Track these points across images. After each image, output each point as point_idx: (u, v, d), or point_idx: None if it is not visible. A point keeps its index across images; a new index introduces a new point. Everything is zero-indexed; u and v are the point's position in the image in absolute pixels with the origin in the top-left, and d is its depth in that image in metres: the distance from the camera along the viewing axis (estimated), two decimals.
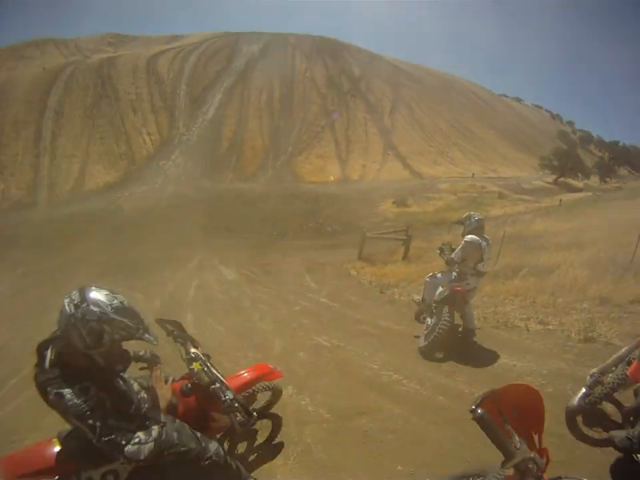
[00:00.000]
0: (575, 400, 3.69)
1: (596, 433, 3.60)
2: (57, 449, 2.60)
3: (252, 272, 12.77)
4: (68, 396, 2.13)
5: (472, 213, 6.63)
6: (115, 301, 2.23)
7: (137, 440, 2.24)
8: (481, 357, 5.71)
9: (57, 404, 2.16)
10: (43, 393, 2.23)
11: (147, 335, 2.29)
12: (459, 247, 6.15)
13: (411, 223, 20.19)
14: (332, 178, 36.46)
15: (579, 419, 3.71)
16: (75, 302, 2.17)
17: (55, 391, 2.15)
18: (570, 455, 3.52)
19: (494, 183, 41.44)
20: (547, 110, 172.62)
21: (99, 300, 2.19)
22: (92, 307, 2.16)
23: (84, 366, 2.25)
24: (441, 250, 6.65)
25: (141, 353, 2.98)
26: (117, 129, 41.66)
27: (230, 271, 13.08)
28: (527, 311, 7.74)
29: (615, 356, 3.73)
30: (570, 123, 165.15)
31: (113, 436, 2.17)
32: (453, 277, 6.16)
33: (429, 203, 28.23)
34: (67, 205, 30.00)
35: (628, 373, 3.38)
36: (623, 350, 3.72)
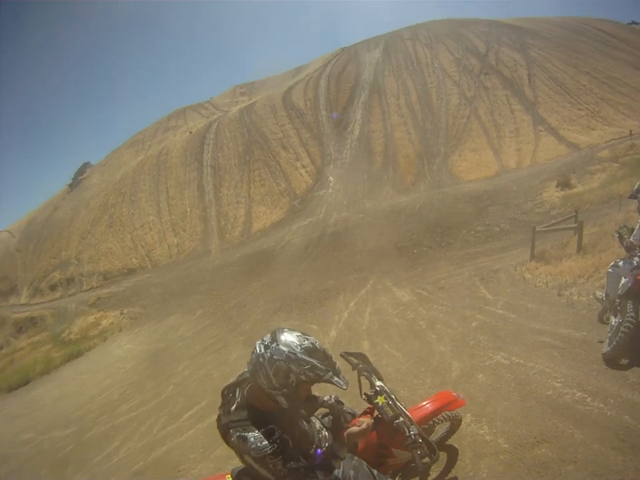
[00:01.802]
0: None
1: None
2: None
3: (425, 290, 12.48)
4: (252, 439, 2.20)
5: None
6: (306, 342, 2.29)
7: (317, 475, 2.30)
8: None
9: (239, 446, 2.24)
10: (226, 434, 2.34)
11: (335, 379, 2.28)
12: (638, 226, 5.62)
13: (579, 205, 19.16)
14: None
15: None
16: (266, 343, 2.28)
17: (238, 433, 2.24)
18: None
19: None
20: None
21: (289, 340, 2.27)
22: (281, 347, 2.23)
23: (270, 409, 2.32)
24: (620, 235, 6.00)
25: (325, 399, 2.98)
26: (273, 168, 43.72)
27: (403, 292, 12.92)
28: None
29: None
30: None
31: (292, 477, 2.23)
32: (636, 264, 5.44)
33: (593, 178, 26.05)
34: (237, 249, 32.26)
35: None
36: None
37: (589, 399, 4.56)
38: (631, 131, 33.31)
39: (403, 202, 30.08)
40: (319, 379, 2.27)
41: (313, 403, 2.46)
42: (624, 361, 5.07)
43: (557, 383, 5.03)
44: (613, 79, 42.40)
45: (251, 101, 63.19)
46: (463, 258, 16.77)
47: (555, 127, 38.24)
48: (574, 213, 15.05)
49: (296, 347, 2.26)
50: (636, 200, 5.90)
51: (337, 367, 2.32)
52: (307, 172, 42.10)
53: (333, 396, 3.01)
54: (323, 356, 2.30)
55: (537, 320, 7.43)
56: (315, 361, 2.25)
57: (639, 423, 3.97)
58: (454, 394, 3.52)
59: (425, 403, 3.33)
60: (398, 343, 8.30)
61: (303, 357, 2.24)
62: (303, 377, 2.24)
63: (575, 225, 13.37)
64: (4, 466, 9.56)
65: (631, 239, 5.57)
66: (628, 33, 50.89)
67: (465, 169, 35.30)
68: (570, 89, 42.43)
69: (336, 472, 2.45)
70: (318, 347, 2.31)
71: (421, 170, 37.31)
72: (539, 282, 10.21)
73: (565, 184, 25.59)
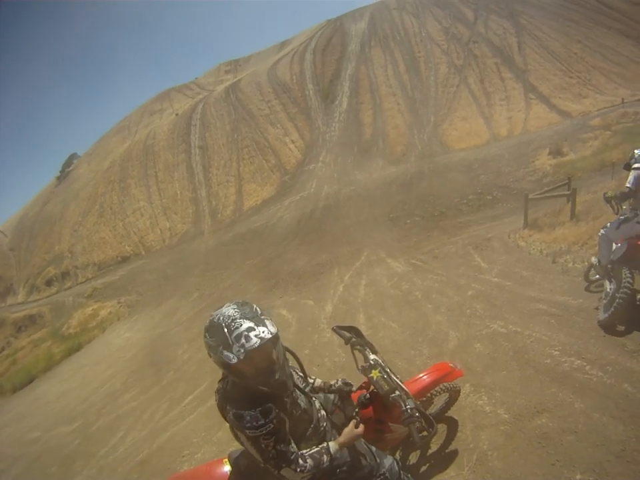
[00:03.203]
0: None
1: None
2: (228, 469, 2.73)
3: (420, 260, 12.48)
4: (247, 418, 2.18)
5: (636, 150, 5.84)
6: (211, 318, 2.27)
7: (300, 465, 2.27)
8: None
9: (235, 424, 2.23)
10: (223, 410, 2.33)
11: (225, 352, 2.18)
12: (631, 175, 5.53)
13: (571, 173, 19.06)
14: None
15: None
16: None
17: (234, 411, 2.22)
18: None
19: None
20: None
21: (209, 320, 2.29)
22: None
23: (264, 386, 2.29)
24: (607, 197, 6.03)
25: (332, 382, 2.99)
26: (261, 145, 43.56)
27: (398, 263, 12.89)
28: None
29: None
30: None
31: (278, 460, 2.22)
32: (632, 225, 5.41)
33: (585, 146, 26.08)
34: (230, 228, 32.34)
35: None
36: None
37: (587, 367, 4.58)
38: (623, 99, 33.40)
39: (394, 172, 30.12)
40: (213, 357, 2.25)
41: (269, 375, 2.29)
42: (620, 328, 5.09)
43: (555, 351, 5.06)
44: (605, 48, 42.24)
45: (236, 79, 62.95)
46: (456, 227, 16.81)
47: (546, 95, 38.27)
48: (567, 181, 14.97)
49: (206, 327, 2.27)
50: (630, 170, 5.71)
51: (232, 338, 2.17)
52: (296, 147, 42.02)
53: (340, 379, 2.99)
54: (216, 330, 2.21)
55: (532, 287, 7.46)
56: (209, 339, 2.23)
57: (639, 391, 3.98)
58: (451, 365, 3.55)
59: (421, 375, 3.34)
60: (394, 314, 8.28)
61: (205, 334, 2.25)
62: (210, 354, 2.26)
63: (569, 192, 13.35)
64: (14, 467, 9.53)
65: (627, 184, 5.51)
66: (621, 2, 50.59)
67: (456, 138, 35.21)
68: (561, 57, 42.31)
69: (332, 450, 2.42)
70: (216, 321, 2.23)
71: (411, 140, 37.22)
72: (533, 249, 10.30)
73: (557, 152, 25.59)
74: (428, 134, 37.37)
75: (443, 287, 9.21)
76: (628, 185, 5.47)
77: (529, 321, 6.07)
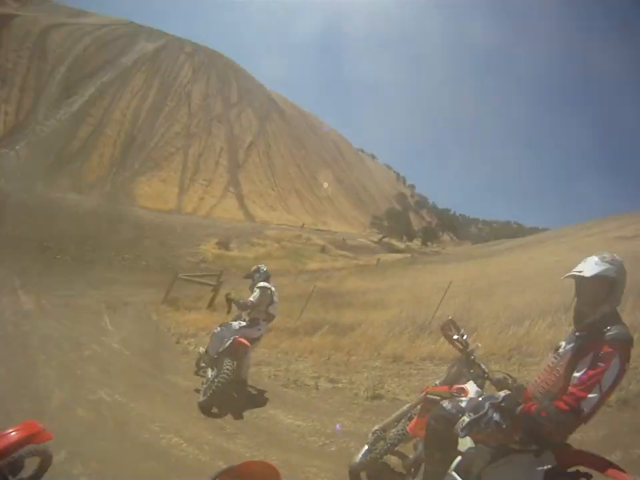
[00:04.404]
0: (358, 457, 3.94)
1: None
2: None
3: (51, 303, 11.70)
4: None
5: (260, 265, 7.02)
6: None
7: None
8: (265, 417, 5.87)
9: None
10: None
11: None
12: (255, 292, 6.51)
13: (228, 267, 20.59)
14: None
15: (364, 475, 3.91)
16: None
17: None
18: None
19: (321, 236, 42.17)
20: (395, 171, 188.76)
21: None
22: None
23: None
24: (228, 298, 6.78)
25: None
26: None
27: (28, 299, 11.79)
28: (319, 369, 7.97)
29: (397, 412, 4.11)
30: (411, 186, 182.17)
31: None
32: (242, 326, 6.49)
33: (252, 249, 28.63)
34: None
35: (408, 429, 3.58)
36: (406, 407, 4.07)
37: (184, 445, 4.83)
38: (303, 224, 38.18)
39: (73, 200, 28.56)
40: None
41: None
42: (216, 410, 5.74)
43: (156, 427, 5.19)
44: (315, 181, 48.38)
45: (16, 12, 52.97)
46: (101, 280, 16.46)
47: (243, 194, 41.45)
48: (219, 272, 16.29)
49: None
50: (250, 279, 6.89)
51: None
52: (5, 119, 37.73)
53: None
54: None
55: (150, 362, 7.66)
56: None
57: None
58: (40, 425, 3.20)
59: (9, 431, 2.97)
60: (4, 358, 7.06)
61: None
62: None
63: (215, 283, 14.66)
64: None
65: (251, 299, 6.43)
66: (351, 154, 57.14)
67: (145, 194, 35.07)
68: (276, 170, 46.72)
69: None
70: None
71: (107, 176, 36.35)
72: (163, 326, 10.68)
73: (224, 244, 27.53)
74: (124, 178, 36.77)
75: (62, 339, 8.69)
76: (252, 300, 6.45)
77: (137, 393, 6.18)
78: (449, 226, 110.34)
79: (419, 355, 8.32)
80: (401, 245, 67.26)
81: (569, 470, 2.54)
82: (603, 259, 2.64)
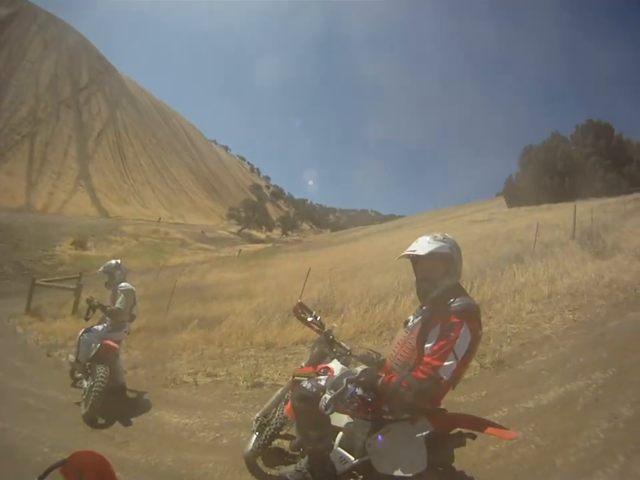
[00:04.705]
0: (249, 445, 3.98)
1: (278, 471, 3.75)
2: None
3: None
4: None
5: (119, 261, 6.89)
6: None
7: None
8: (151, 420, 5.76)
9: None
10: None
11: None
12: (122, 297, 6.38)
13: (88, 268, 19.70)
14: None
15: (260, 462, 3.94)
16: None
17: None
18: None
19: (179, 230, 41.57)
20: (249, 162, 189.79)
21: None
22: None
23: None
24: (92, 304, 6.51)
25: None
26: None
27: None
28: (195, 365, 7.93)
29: (273, 398, 4.21)
30: (266, 178, 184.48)
31: None
32: (107, 329, 6.35)
33: (110, 247, 27.51)
34: None
35: (286, 412, 3.62)
36: (279, 391, 4.23)
37: None
38: (160, 218, 37.28)
39: None
40: None
41: None
42: (102, 421, 5.59)
43: (46, 448, 4.88)
44: (169, 173, 47.21)
45: None
46: None
47: (95, 188, 39.58)
48: (78, 275, 15.45)
49: None
50: (107, 274, 6.71)
51: None
52: None
53: None
54: None
55: (24, 380, 7.28)
56: None
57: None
58: None
59: None
60: None
61: None
62: None
63: (75, 287, 14.03)
64: None
65: (120, 307, 6.30)
66: (204, 145, 56.46)
67: None
68: (128, 161, 44.89)
69: None
70: None
71: None
72: (31, 339, 10.15)
73: (80, 244, 26.04)
74: None
75: None
76: (119, 307, 6.34)
77: (18, 416, 5.79)
78: (308, 215, 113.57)
79: (291, 340, 8.52)
80: (262, 235, 68.43)
81: (452, 433, 2.72)
82: (435, 238, 2.86)
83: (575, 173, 39.44)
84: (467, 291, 3.05)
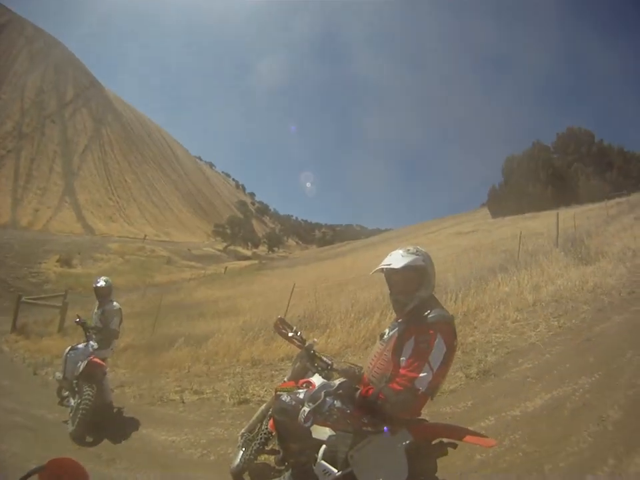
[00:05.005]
0: (236, 461, 4.06)
1: None
2: None
3: None
4: None
5: (106, 278, 7.00)
6: None
7: None
8: (138, 438, 5.76)
9: None
10: None
11: None
12: (116, 318, 6.58)
13: (74, 286, 19.56)
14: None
15: (247, 477, 4.01)
16: None
17: None
18: None
19: (165, 247, 41.42)
20: (233, 179, 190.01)
21: None
22: None
23: None
24: (84, 325, 6.58)
25: None
26: None
27: None
28: (182, 383, 7.94)
29: (257, 413, 4.30)
30: (251, 194, 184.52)
31: None
32: (94, 347, 6.32)
33: (95, 265, 27.51)
34: None
35: (269, 427, 3.59)
36: (263, 406, 4.30)
37: None
38: (146, 235, 37.04)
39: None
40: None
41: None
42: (90, 439, 5.55)
43: (33, 465, 3.67)
44: (154, 190, 46.95)
45: None
46: None
47: (80, 204, 39.11)
48: (64, 292, 15.38)
49: None
50: (107, 296, 6.85)
51: None
52: None
53: None
54: None
55: (10, 398, 7.17)
56: None
57: None
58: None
59: None
60: None
61: None
62: None
63: (61, 305, 13.91)
64: None
65: (115, 328, 6.53)
66: (189, 162, 56.21)
67: None
68: (113, 178, 44.61)
69: None
70: None
71: None
72: (17, 357, 10.12)
73: (66, 262, 25.78)
74: None
75: None
76: (116, 329, 6.60)
77: (6, 434, 5.68)
78: (293, 231, 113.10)
79: (276, 357, 8.55)
80: (248, 252, 68.47)
81: (434, 442, 2.77)
82: (408, 252, 2.92)
83: (558, 180, 40.08)
84: (452, 303, 3.17)
